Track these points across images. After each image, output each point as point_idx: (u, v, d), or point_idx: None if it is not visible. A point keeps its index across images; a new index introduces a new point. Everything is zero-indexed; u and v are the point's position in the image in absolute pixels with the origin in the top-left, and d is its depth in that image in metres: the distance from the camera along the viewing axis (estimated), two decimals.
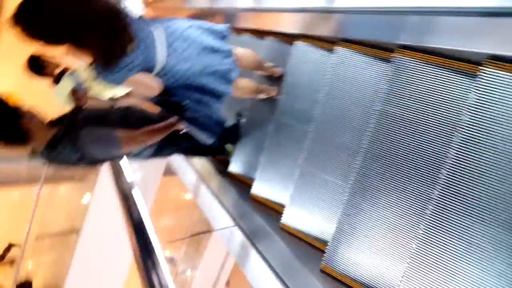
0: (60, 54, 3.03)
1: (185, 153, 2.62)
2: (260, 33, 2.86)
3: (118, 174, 2.44)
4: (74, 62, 3.01)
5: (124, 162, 2.53)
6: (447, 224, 1.50)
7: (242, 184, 2.70)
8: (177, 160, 3.28)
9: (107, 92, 2.90)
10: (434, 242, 1.52)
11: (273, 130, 2.47)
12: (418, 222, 1.65)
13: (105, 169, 5.31)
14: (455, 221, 1.48)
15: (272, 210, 2.42)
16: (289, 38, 2.57)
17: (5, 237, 7.24)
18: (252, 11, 2.89)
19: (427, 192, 1.66)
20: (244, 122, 2.79)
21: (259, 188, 2.51)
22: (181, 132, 2.17)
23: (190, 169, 3.08)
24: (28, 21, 1.34)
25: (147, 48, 1.62)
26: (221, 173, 2.81)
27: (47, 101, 2.78)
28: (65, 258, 5.98)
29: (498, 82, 1.44)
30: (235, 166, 2.76)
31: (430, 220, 1.54)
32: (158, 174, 5.60)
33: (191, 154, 2.77)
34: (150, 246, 1.77)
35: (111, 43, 1.49)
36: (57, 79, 3.02)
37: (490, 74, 1.45)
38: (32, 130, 1.67)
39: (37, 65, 3.03)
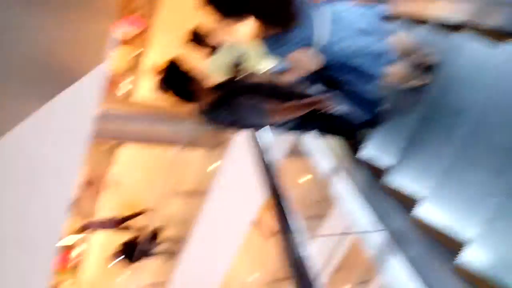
0: (218, 28, 3.33)
1: (324, 131, 2.69)
2: (417, 19, 2.74)
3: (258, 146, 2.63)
4: (232, 35, 3.29)
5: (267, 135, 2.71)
6: None
7: (373, 170, 2.68)
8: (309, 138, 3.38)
9: (262, 65, 3.12)
10: None
11: (418, 121, 2.38)
12: None
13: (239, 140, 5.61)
14: None
15: (404, 201, 2.36)
16: (449, 27, 2.42)
17: (137, 195, 8.22)
18: None
19: None
20: (386, 109, 2.73)
21: (394, 178, 2.45)
22: (324, 110, 2.24)
23: (322, 147, 3.14)
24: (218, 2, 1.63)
25: (311, 26, 1.72)
26: (353, 156, 2.82)
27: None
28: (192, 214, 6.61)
29: None
30: (368, 152, 2.74)
31: None
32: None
33: (328, 132, 2.82)
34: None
35: (283, 16, 1.62)
36: (212, 51, 3.34)
37: None
38: (199, 92, 1.94)
39: (198, 37, 3.38)
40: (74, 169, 4.40)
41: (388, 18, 2.04)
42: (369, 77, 1.99)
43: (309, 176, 7.61)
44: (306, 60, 1.86)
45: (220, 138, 6.21)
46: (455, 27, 2.32)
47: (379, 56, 1.96)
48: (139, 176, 8.36)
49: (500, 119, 1.94)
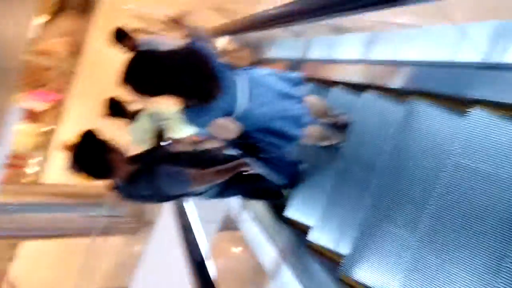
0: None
1: (247, 195, 2.64)
2: (326, 82, 2.93)
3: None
4: (152, 103, 3.24)
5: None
6: None
7: (298, 230, 2.65)
8: (235, 203, 3.30)
9: (182, 132, 3.07)
10: None
11: (334, 178, 2.44)
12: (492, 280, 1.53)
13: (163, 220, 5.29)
14: None
15: (329, 259, 2.33)
16: (356, 88, 2.62)
17: None
18: (319, 61, 2.99)
19: (505, 251, 1.54)
20: (304, 168, 2.79)
21: (316, 236, 2.44)
22: (246, 173, 2.21)
23: (246, 212, 3.07)
24: (135, 81, 1.57)
25: (231, 94, 1.74)
26: (277, 217, 2.78)
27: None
28: None
29: None
30: (292, 212, 2.73)
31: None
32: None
33: (251, 196, 2.78)
34: None
35: (204, 90, 1.64)
36: (132, 119, 3.23)
37: None
38: (116, 165, 1.78)
39: (116, 107, 3.27)
40: None
41: (301, 82, 2.13)
42: (288, 139, 2.02)
43: (240, 248, 7.26)
44: (226, 128, 1.85)
45: (142, 220, 5.81)
46: (362, 88, 2.50)
47: (297, 119, 2.01)
48: (45, 274, 7.24)
49: (407, 171, 2.05)
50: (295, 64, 3.26)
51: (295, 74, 2.11)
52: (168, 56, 1.57)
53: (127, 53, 3.44)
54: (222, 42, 4.81)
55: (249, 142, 2.01)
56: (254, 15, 2.56)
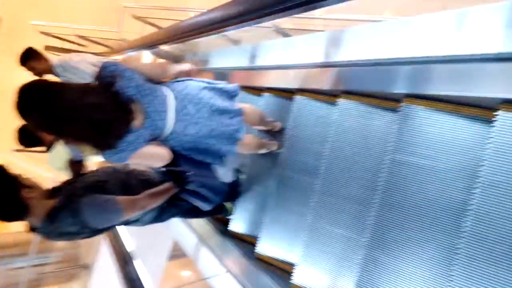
0: None
1: (186, 215, 2.50)
2: (257, 89, 2.89)
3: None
4: None
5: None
6: (478, 273, 1.42)
7: (245, 243, 2.56)
8: (175, 224, 3.13)
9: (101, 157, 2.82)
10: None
11: (276, 185, 2.40)
12: (446, 274, 1.56)
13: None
14: (485, 269, 1.41)
15: (281, 270, 2.28)
16: (287, 93, 2.60)
17: None
18: (248, 69, 2.94)
19: (451, 241, 1.59)
20: (244, 179, 2.72)
21: (264, 247, 2.38)
22: (177, 196, 2.07)
23: (189, 232, 2.92)
24: (25, 115, 1.31)
25: (156, 119, 1.57)
26: (222, 233, 2.67)
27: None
28: None
29: None
30: (237, 225, 2.64)
31: (459, 270, 1.46)
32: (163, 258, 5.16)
33: (191, 216, 2.64)
34: None
35: (104, 135, 1.41)
36: (50, 146, 2.93)
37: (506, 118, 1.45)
38: (32, 201, 1.56)
39: (28, 136, 2.93)
40: None
41: (237, 93, 2.03)
42: (221, 156, 1.92)
43: (189, 273, 6.96)
44: (153, 157, 1.69)
45: (77, 264, 5.25)
46: (292, 92, 2.48)
47: (231, 135, 1.91)
48: None
49: (346, 172, 2.06)
50: (223, 74, 3.18)
51: (232, 86, 1.99)
52: (64, 91, 1.32)
53: (40, 76, 3.13)
54: (147, 55, 4.62)
55: (177, 170, 1.84)
56: (175, 25, 2.44)
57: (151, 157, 1.65)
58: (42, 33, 6.48)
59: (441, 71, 1.66)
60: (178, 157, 1.77)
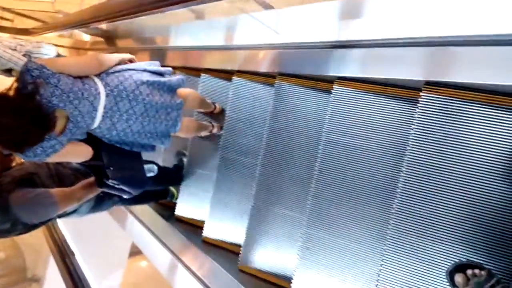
0: None
1: (127, 203, 2.44)
2: (194, 70, 2.81)
3: None
4: None
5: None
6: (406, 244, 1.53)
7: (192, 227, 2.57)
8: (119, 214, 3.05)
9: None
10: (397, 259, 1.53)
11: (218, 167, 2.40)
12: (378, 245, 1.67)
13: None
14: (413, 242, 1.51)
15: (229, 252, 2.32)
16: (225, 74, 2.55)
17: None
18: (184, 49, 2.84)
19: (383, 215, 1.69)
20: (186, 162, 2.69)
21: (211, 230, 2.40)
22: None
23: (133, 220, 2.87)
24: None
25: (79, 121, 1.46)
26: (167, 218, 2.65)
27: None
28: None
29: (437, 105, 1.51)
30: (182, 209, 2.63)
31: (390, 242, 1.56)
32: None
33: (134, 203, 2.59)
34: None
35: (17, 145, 1.31)
36: None
37: (429, 99, 1.53)
38: None
39: None
40: None
41: (177, 86, 1.94)
42: (152, 146, 1.85)
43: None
44: (76, 154, 1.60)
45: (25, 277, 4.93)
46: (231, 73, 2.45)
47: (166, 131, 1.84)
48: None
49: (285, 152, 2.09)
50: (159, 53, 3.06)
51: (175, 80, 1.86)
52: None
53: None
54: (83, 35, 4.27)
55: (98, 163, 1.75)
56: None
57: (70, 156, 1.58)
58: None
59: (376, 54, 1.70)
60: (100, 146, 1.69)
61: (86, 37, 4.58)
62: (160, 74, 1.82)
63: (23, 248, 5.11)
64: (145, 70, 1.75)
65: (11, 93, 1.28)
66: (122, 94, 1.58)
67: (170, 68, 1.88)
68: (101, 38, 4.12)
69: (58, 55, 3.35)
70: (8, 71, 3.09)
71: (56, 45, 3.38)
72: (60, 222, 3.17)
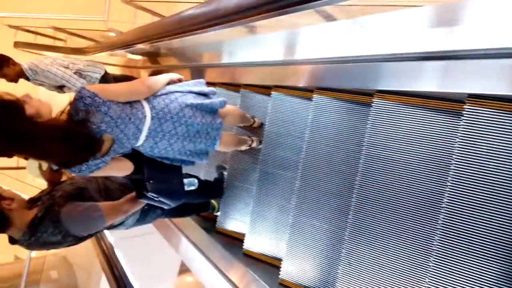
0: None
1: (170, 215, 2.51)
2: (233, 86, 2.87)
3: None
4: None
5: None
6: (453, 260, 1.49)
7: (233, 240, 2.60)
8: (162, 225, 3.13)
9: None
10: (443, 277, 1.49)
11: (258, 181, 2.43)
12: (423, 262, 1.64)
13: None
14: (461, 259, 1.48)
15: (270, 265, 2.33)
16: (264, 89, 2.59)
17: None
18: (224, 66, 2.91)
19: (429, 231, 1.65)
20: (226, 176, 2.73)
21: (251, 243, 2.42)
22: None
23: (176, 232, 2.94)
24: None
25: (124, 142, 1.54)
26: (209, 231, 2.70)
27: None
28: None
29: (482, 119, 1.47)
30: (223, 222, 2.67)
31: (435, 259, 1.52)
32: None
33: (177, 215, 2.66)
34: None
35: (64, 164, 1.40)
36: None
37: (473, 112, 1.49)
38: (12, 213, 1.55)
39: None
40: None
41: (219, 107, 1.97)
42: (193, 162, 1.92)
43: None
44: (118, 169, 1.69)
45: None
46: (268, 88, 2.48)
47: (204, 150, 1.89)
48: None
49: (325, 166, 2.09)
50: (198, 70, 3.15)
51: (217, 102, 1.89)
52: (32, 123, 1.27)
53: (15, 81, 3.05)
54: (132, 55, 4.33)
55: (138, 177, 1.83)
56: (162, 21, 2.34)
57: (112, 171, 1.66)
58: (11, 26, 6.02)
59: (418, 67, 1.67)
60: (142, 160, 1.77)
61: (137, 56, 4.66)
62: (204, 94, 1.87)
63: (75, 268, 5.31)
64: (190, 92, 1.81)
65: (64, 116, 1.37)
66: (166, 117, 1.64)
67: (213, 89, 1.93)
68: (145, 56, 4.26)
69: (106, 73, 3.53)
70: (60, 88, 3.30)
71: (105, 63, 3.54)
72: (113, 242, 3.31)
